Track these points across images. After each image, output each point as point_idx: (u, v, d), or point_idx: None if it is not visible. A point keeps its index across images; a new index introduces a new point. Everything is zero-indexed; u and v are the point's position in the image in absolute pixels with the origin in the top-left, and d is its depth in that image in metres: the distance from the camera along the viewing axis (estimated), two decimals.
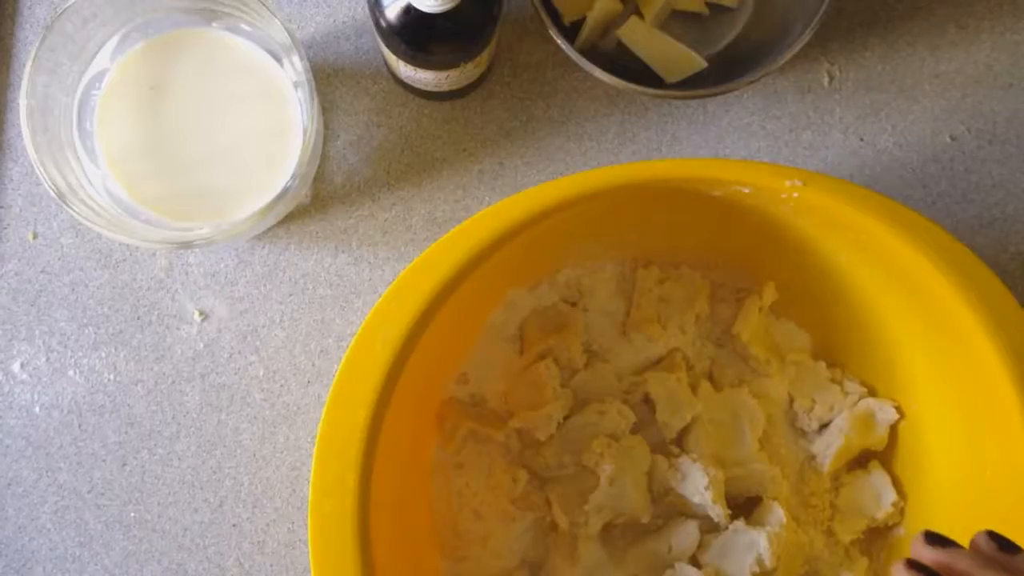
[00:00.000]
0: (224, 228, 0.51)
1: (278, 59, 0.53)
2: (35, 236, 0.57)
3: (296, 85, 0.53)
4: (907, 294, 0.50)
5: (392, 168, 0.58)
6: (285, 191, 0.50)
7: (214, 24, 0.53)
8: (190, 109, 0.53)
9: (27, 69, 0.48)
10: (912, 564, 0.35)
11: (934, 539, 0.36)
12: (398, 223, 0.58)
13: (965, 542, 0.36)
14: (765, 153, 0.59)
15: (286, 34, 0.49)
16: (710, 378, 0.56)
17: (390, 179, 0.58)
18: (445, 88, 0.54)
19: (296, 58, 0.50)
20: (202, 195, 0.53)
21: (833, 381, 0.56)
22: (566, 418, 0.54)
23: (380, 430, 0.45)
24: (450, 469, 0.54)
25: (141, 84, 0.52)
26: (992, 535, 0.36)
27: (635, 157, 0.59)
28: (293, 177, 0.50)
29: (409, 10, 0.46)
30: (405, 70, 0.52)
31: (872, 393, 0.56)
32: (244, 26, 0.53)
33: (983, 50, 0.59)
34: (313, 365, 0.58)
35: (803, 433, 0.57)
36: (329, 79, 0.58)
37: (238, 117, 0.53)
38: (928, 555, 0.35)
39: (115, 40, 0.52)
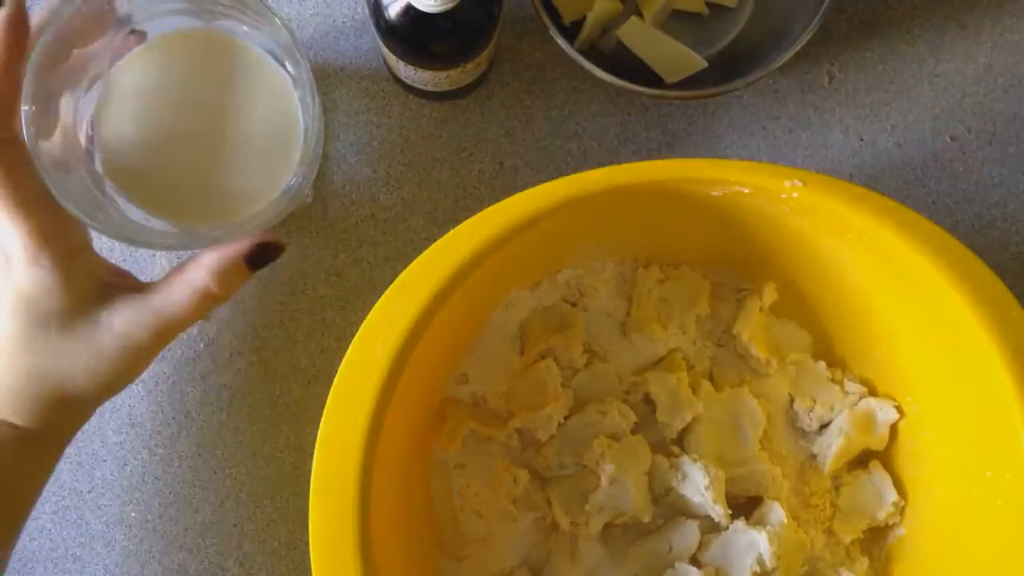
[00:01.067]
0: (224, 228, 0.51)
1: (278, 59, 0.53)
2: None
3: (296, 85, 0.53)
4: (907, 294, 0.50)
5: (392, 168, 0.58)
6: (286, 191, 0.50)
7: (214, 24, 0.53)
8: (190, 109, 0.53)
9: (27, 70, 0.48)
10: None
11: None
12: (398, 223, 0.58)
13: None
14: (765, 153, 0.59)
15: (286, 34, 0.49)
16: (710, 378, 0.56)
17: (390, 179, 0.58)
18: (445, 88, 0.54)
19: (296, 58, 0.50)
20: (202, 195, 0.53)
21: (833, 381, 0.56)
22: (567, 418, 0.54)
23: (380, 430, 0.44)
24: (450, 469, 0.54)
25: (141, 84, 0.52)
26: None
27: (635, 157, 0.59)
28: (294, 177, 0.50)
29: (409, 10, 0.46)
30: (405, 70, 0.52)
31: (872, 393, 0.56)
32: (244, 26, 0.52)
33: (983, 50, 0.59)
34: (313, 365, 0.58)
35: (803, 433, 0.57)
36: (329, 79, 0.58)
37: (238, 117, 0.53)
38: None
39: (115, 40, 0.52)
